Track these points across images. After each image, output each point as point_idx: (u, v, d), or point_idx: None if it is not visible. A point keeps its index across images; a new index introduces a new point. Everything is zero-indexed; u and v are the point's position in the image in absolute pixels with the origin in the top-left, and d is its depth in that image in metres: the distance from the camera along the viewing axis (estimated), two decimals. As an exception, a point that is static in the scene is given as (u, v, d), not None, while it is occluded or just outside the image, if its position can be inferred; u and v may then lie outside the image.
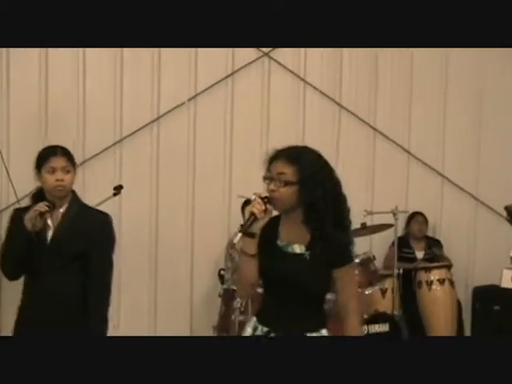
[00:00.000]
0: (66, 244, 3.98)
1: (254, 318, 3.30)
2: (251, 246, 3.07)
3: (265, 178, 3.09)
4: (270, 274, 3.11)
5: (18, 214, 3.92)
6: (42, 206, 3.82)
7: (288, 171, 3.03)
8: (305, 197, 3.03)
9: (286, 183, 3.02)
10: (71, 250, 3.98)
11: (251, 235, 3.03)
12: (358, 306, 3.27)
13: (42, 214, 3.84)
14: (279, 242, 3.11)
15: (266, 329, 3.21)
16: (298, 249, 3.11)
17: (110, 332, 4.16)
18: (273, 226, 3.13)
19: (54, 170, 3.93)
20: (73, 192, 4.07)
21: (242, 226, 3.03)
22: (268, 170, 3.10)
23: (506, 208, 3.72)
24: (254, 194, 3.09)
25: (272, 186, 3.04)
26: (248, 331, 3.30)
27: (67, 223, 4.00)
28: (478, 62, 7.34)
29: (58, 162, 3.95)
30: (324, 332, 3.16)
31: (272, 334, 3.19)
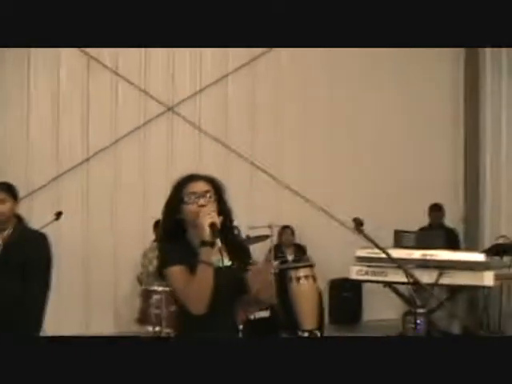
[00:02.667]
0: (9, 257, 3.97)
1: None
2: (211, 256, 2.66)
3: (189, 197, 2.74)
4: (220, 285, 2.68)
5: None
6: None
7: (211, 188, 2.79)
8: (224, 213, 2.79)
9: (215, 199, 2.78)
10: (13, 265, 3.96)
11: (212, 245, 2.64)
12: None
13: None
14: None
15: None
16: (226, 261, 2.73)
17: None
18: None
19: None
20: (17, 217, 4.10)
21: (205, 241, 2.64)
22: (181, 191, 2.78)
23: (354, 220, 3.62)
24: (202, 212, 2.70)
25: (202, 201, 2.73)
26: None
27: (9, 243, 4.00)
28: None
29: None
30: None
31: None
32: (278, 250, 7.50)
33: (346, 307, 7.77)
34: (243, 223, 6.68)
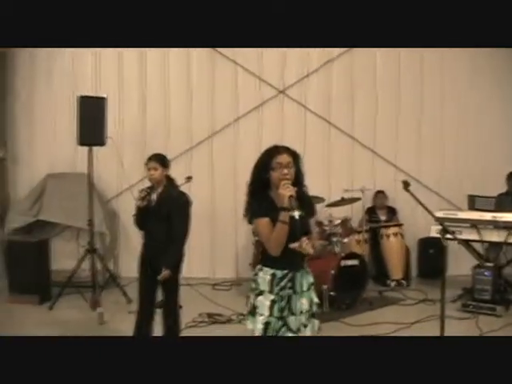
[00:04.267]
0: (159, 209, 5.02)
1: (267, 268, 3.57)
2: (287, 217, 3.37)
3: (276, 165, 3.43)
4: (294, 231, 3.39)
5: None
6: (141, 191, 5.05)
7: (292, 159, 3.49)
8: (298, 177, 3.54)
9: (294, 168, 3.49)
10: (163, 212, 4.99)
11: (289, 210, 3.35)
12: None
13: (142, 198, 4.99)
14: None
15: (285, 271, 3.55)
16: (297, 212, 3.42)
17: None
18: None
19: (149, 169, 5.07)
20: (169, 179, 5.13)
21: (284, 208, 3.34)
22: (270, 159, 3.46)
23: (403, 181, 4.11)
24: (283, 184, 3.40)
25: (285, 171, 3.43)
26: (266, 278, 3.55)
27: (161, 197, 5.06)
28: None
29: (150, 164, 5.07)
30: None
31: (290, 274, 3.55)
32: (372, 211, 8.36)
33: (431, 263, 8.25)
34: (341, 187, 7.62)
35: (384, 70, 8.56)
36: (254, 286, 3.65)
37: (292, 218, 3.39)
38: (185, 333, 5.68)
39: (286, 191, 3.36)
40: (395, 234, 8.09)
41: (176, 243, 5.06)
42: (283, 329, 3.55)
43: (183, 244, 5.13)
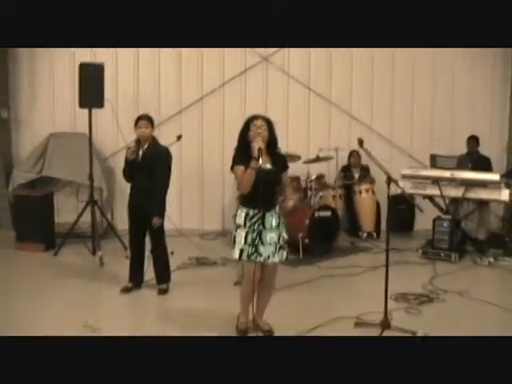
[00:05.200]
0: (144, 163, 5.71)
1: (243, 208, 4.59)
2: (255, 165, 4.36)
3: (253, 127, 4.45)
4: (260, 179, 4.39)
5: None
6: (130, 148, 5.79)
7: (266, 124, 4.52)
8: (270, 136, 4.54)
9: (267, 129, 4.49)
10: (147, 166, 5.69)
11: (257, 159, 4.34)
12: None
13: (132, 152, 5.73)
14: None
15: (256, 210, 4.54)
16: (269, 166, 4.57)
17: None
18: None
19: (140, 127, 5.77)
20: (153, 137, 5.86)
21: (255, 157, 4.32)
22: (249, 124, 4.49)
23: (358, 139, 4.90)
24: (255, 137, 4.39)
25: (259, 130, 4.44)
26: (242, 215, 4.55)
27: (146, 153, 5.77)
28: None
29: (141, 122, 5.77)
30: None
31: (260, 214, 4.51)
32: (347, 169, 9.07)
33: (401, 218, 8.86)
34: (318, 146, 8.28)
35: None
36: (235, 222, 4.69)
37: (260, 167, 4.37)
38: (176, 273, 6.53)
39: (256, 144, 4.36)
40: (367, 190, 8.78)
41: (158, 192, 5.78)
42: (255, 254, 4.54)
43: (165, 193, 5.84)
